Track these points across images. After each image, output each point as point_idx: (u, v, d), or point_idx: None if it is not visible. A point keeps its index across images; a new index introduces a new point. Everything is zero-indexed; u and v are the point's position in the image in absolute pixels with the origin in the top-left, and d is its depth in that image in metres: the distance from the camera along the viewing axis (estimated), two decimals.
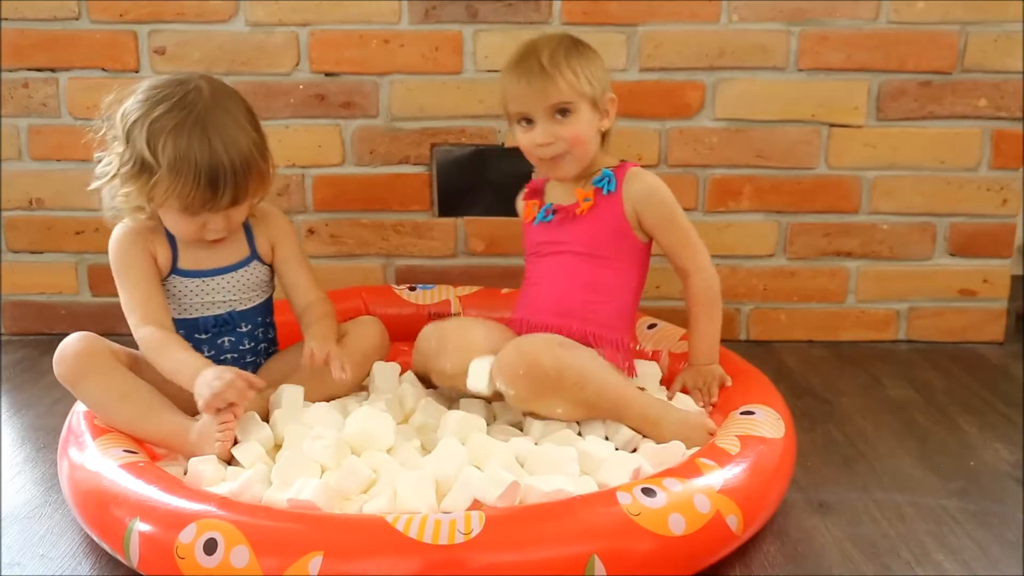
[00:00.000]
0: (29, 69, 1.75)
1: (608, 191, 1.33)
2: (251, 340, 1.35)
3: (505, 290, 1.66)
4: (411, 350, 1.39)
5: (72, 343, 1.22)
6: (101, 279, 1.82)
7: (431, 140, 1.78)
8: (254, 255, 1.34)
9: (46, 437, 1.38)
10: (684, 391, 1.35)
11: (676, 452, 1.17)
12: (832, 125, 1.75)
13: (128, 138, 1.21)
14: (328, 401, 1.30)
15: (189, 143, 1.18)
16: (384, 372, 1.37)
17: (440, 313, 1.63)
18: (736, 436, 1.13)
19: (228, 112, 1.22)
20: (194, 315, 1.31)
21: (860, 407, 1.51)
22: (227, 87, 1.27)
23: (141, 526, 0.97)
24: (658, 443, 1.21)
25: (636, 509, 0.96)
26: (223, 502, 0.98)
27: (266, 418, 1.23)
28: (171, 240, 1.29)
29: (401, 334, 1.48)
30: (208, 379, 1.14)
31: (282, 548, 0.91)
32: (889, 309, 1.84)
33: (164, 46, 1.74)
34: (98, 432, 1.17)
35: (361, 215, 1.81)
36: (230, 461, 1.17)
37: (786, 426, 1.19)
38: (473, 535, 0.91)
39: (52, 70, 1.75)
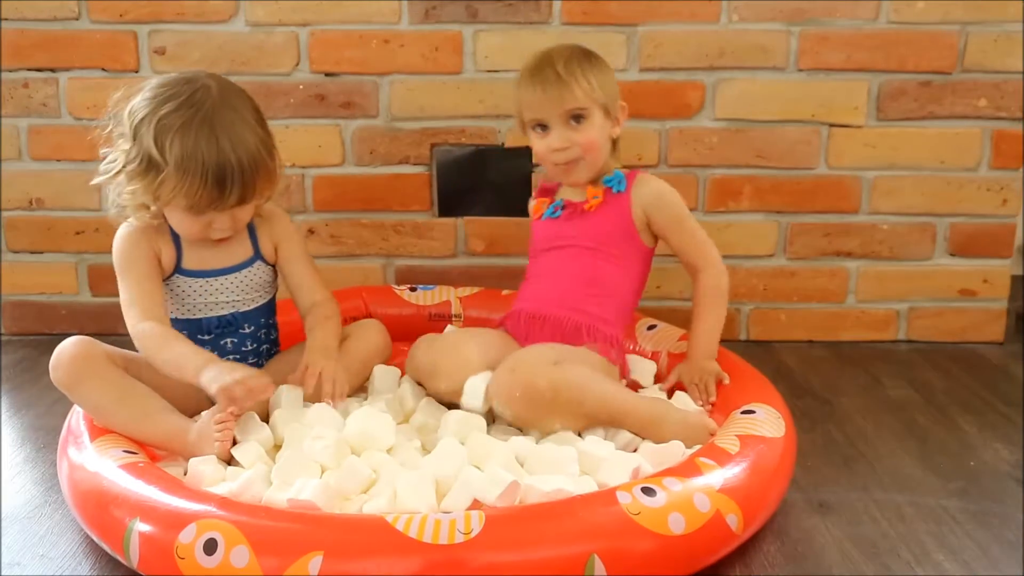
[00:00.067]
0: (29, 69, 1.75)
1: (618, 191, 1.38)
2: (254, 341, 1.35)
3: (505, 291, 1.66)
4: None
5: (67, 348, 1.21)
6: (101, 279, 1.82)
7: (431, 140, 1.78)
8: (257, 255, 1.34)
9: (46, 437, 1.38)
10: (681, 388, 1.35)
11: (676, 452, 1.17)
12: (832, 125, 1.75)
13: (135, 135, 1.21)
14: None
15: (196, 141, 1.17)
16: (384, 376, 1.37)
17: (440, 314, 1.64)
18: (736, 435, 1.13)
19: (236, 111, 1.22)
20: (198, 316, 1.31)
21: (860, 407, 1.51)
22: (235, 86, 1.27)
23: (141, 526, 0.97)
24: (658, 443, 1.21)
25: (636, 508, 0.96)
26: (223, 502, 0.98)
27: (266, 418, 1.23)
28: (175, 240, 1.29)
29: (401, 335, 1.48)
30: (225, 370, 1.14)
31: (282, 548, 0.91)
32: (889, 309, 1.84)
33: (164, 46, 1.73)
34: (97, 432, 1.17)
35: (361, 215, 1.81)
36: (230, 461, 1.17)
37: (786, 425, 1.19)
38: (473, 535, 0.91)
39: (52, 70, 1.75)
